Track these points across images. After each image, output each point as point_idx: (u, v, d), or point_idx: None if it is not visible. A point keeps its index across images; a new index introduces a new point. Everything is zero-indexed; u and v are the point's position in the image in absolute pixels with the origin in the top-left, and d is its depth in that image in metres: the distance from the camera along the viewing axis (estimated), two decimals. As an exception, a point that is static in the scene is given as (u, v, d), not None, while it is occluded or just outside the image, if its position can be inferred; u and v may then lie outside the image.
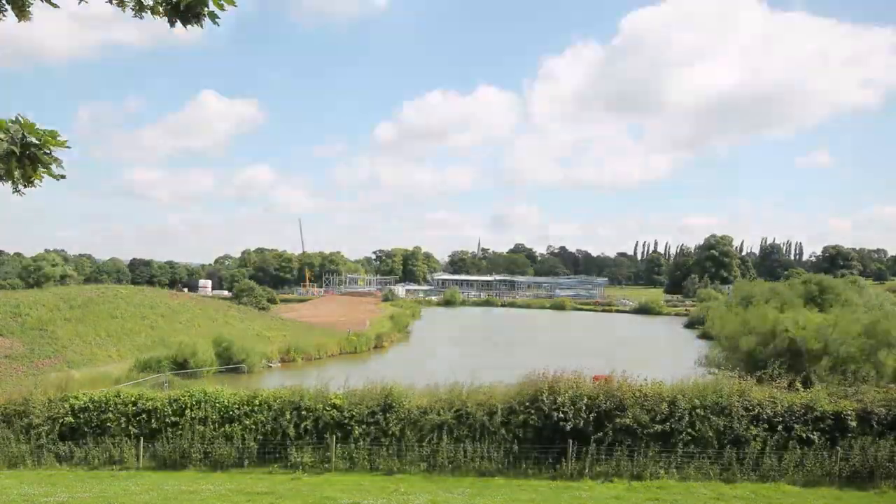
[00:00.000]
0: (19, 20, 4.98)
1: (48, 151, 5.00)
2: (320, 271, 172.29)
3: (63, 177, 5.17)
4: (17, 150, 4.83)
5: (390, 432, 16.84)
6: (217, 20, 5.21)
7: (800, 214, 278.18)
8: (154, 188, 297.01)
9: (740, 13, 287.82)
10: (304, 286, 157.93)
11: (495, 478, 15.84)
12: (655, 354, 55.79)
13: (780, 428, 16.07)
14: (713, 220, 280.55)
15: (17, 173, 4.90)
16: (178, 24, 5.15)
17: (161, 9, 5.07)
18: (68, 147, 5.08)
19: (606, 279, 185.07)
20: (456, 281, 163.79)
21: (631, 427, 16.15)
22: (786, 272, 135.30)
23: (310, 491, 14.56)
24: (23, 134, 4.87)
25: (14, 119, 4.90)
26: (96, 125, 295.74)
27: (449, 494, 14.15)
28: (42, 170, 5.04)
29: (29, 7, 4.94)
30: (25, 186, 5.03)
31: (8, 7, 4.89)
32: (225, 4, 5.16)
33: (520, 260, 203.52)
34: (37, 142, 4.95)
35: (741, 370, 18.97)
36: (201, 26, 5.19)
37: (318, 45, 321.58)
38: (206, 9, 5.13)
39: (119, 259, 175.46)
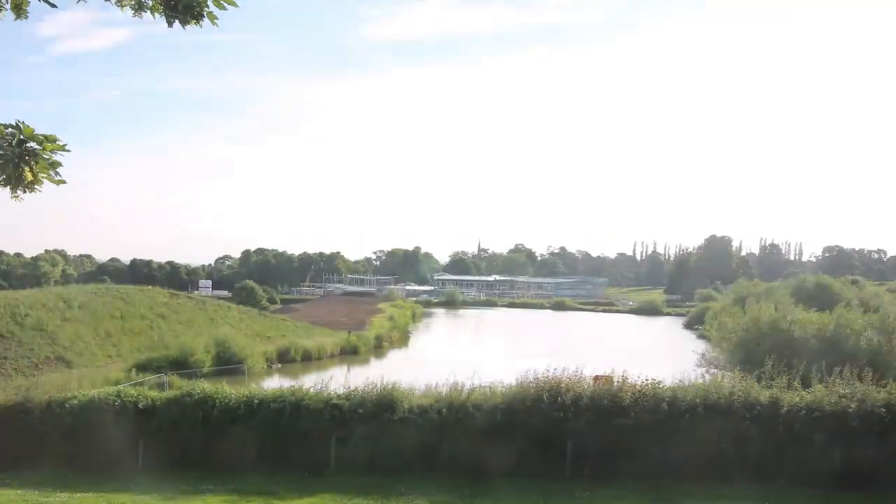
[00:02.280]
0: (16, 18, 4.98)
1: (48, 156, 4.98)
2: (320, 271, 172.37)
3: (63, 181, 5.15)
4: (14, 155, 4.81)
5: (390, 432, 16.82)
6: (216, 21, 5.22)
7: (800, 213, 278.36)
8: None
9: None
10: (307, 286, 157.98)
11: (495, 478, 15.81)
12: (655, 354, 55.77)
13: (780, 428, 16.03)
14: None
15: (15, 178, 4.88)
16: (177, 23, 5.16)
17: (160, 9, 5.07)
18: (68, 150, 5.06)
19: (606, 279, 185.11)
20: (456, 281, 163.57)
21: (631, 427, 16.13)
22: (785, 272, 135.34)
23: (310, 491, 14.57)
24: (21, 139, 4.86)
25: (13, 124, 4.88)
26: None
27: (449, 495, 14.16)
28: (42, 175, 5.02)
29: (26, 6, 4.95)
30: (25, 192, 5.01)
31: (7, 5, 4.89)
32: (225, 4, 5.17)
33: (520, 260, 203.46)
34: (36, 146, 4.93)
35: (740, 370, 18.96)
36: (200, 26, 5.20)
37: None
38: (205, 9, 5.14)
39: (119, 259, 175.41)
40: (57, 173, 5.11)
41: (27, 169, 4.89)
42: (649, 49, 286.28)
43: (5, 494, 13.95)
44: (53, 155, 5.03)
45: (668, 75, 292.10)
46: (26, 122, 4.89)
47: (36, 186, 5.03)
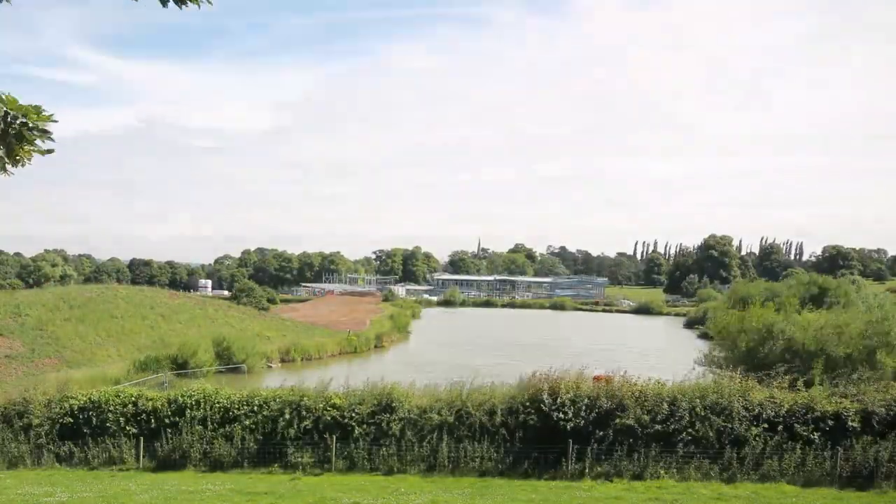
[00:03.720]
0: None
1: (33, 127, 4.80)
2: (320, 271, 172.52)
3: (51, 151, 4.94)
4: (1, 129, 4.63)
5: (390, 432, 16.83)
6: (210, 1, 5.09)
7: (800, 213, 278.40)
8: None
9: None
10: (307, 286, 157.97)
11: (495, 478, 15.83)
12: (655, 354, 55.81)
13: (780, 428, 16.05)
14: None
15: (2, 152, 4.70)
16: (171, 4, 5.01)
17: None
18: (55, 121, 4.88)
19: (606, 279, 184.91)
20: (456, 281, 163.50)
21: (631, 427, 16.14)
22: (785, 272, 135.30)
23: (309, 491, 14.55)
24: (6, 111, 4.69)
25: None
26: None
27: (449, 494, 14.14)
28: (28, 147, 4.83)
29: None
30: (14, 165, 4.84)
31: None
32: None
33: (519, 260, 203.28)
34: (21, 117, 4.74)
35: (741, 370, 18.96)
36: (199, 6, 5.08)
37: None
38: None
39: (119, 259, 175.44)
40: (47, 140, 4.88)
41: (15, 142, 4.72)
42: (650, 44, 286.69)
43: (6, 493, 13.95)
44: (41, 125, 4.84)
45: (669, 72, 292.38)
46: (10, 94, 4.70)
47: (25, 159, 4.84)
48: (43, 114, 4.78)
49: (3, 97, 4.66)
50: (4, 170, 4.77)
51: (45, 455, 17.72)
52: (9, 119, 4.66)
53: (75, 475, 16.54)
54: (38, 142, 4.82)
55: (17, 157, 4.77)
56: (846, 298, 47.34)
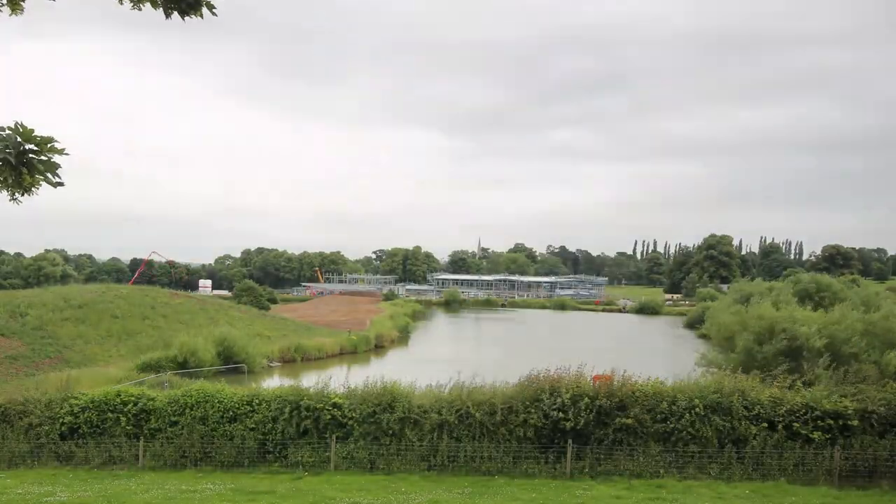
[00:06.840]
0: (12, 12, 4.93)
1: (45, 159, 4.88)
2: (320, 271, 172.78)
3: (61, 184, 5.04)
4: (12, 159, 4.73)
5: (391, 432, 16.84)
6: (214, 10, 5.15)
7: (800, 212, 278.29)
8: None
9: None
10: (307, 286, 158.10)
11: (496, 477, 15.84)
12: (655, 354, 55.82)
13: (780, 427, 16.06)
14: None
15: (12, 181, 4.80)
16: (176, 15, 5.09)
17: (159, 1, 5.02)
18: (66, 154, 4.96)
19: (606, 279, 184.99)
20: (456, 281, 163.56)
21: (631, 426, 16.17)
22: (785, 272, 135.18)
23: (310, 490, 14.56)
24: (19, 141, 4.77)
25: (11, 126, 4.81)
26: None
27: (449, 494, 14.15)
28: (39, 177, 4.92)
29: (23, 0, 4.91)
30: (22, 195, 4.92)
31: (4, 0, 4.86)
32: None
33: (520, 260, 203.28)
34: (34, 148, 4.83)
35: (741, 369, 18.95)
36: (201, 17, 5.14)
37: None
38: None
39: (119, 259, 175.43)
40: (56, 175, 5.01)
41: (25, 172, 4.81)
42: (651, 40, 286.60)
43: (6, 493, 13.97)
44: (51, 157, 4.93)
45: (670, 67, 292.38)
46: (24, 124, 4.81)
47: (34, 189, 4.94)
48: (54, 145, 4.86)
49: (20, 127, 4.73)
50: (14, 198, 4.86)
51: (46, 455, 17.73)
52: (21, 149, 4.74)
53: (76, 475, 16.55)
54: (49, 174, 4.94)
55: (27, 187, 4.85)
56: (844, 297, 47.39)
